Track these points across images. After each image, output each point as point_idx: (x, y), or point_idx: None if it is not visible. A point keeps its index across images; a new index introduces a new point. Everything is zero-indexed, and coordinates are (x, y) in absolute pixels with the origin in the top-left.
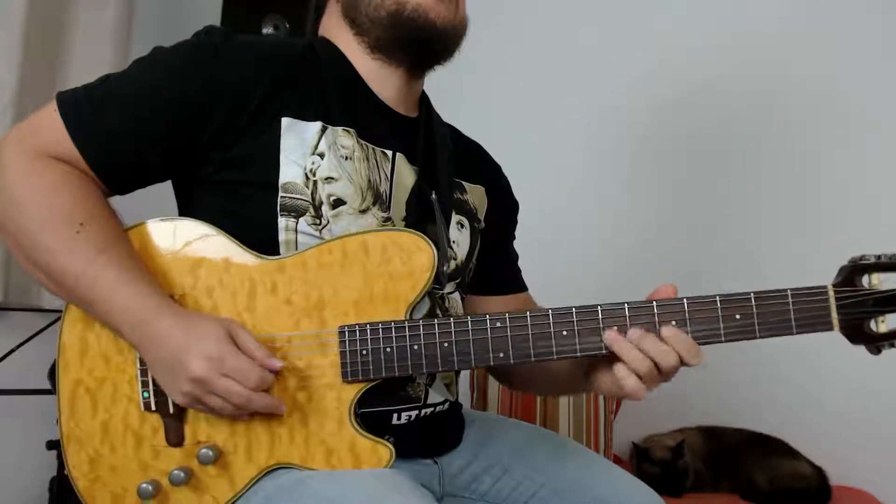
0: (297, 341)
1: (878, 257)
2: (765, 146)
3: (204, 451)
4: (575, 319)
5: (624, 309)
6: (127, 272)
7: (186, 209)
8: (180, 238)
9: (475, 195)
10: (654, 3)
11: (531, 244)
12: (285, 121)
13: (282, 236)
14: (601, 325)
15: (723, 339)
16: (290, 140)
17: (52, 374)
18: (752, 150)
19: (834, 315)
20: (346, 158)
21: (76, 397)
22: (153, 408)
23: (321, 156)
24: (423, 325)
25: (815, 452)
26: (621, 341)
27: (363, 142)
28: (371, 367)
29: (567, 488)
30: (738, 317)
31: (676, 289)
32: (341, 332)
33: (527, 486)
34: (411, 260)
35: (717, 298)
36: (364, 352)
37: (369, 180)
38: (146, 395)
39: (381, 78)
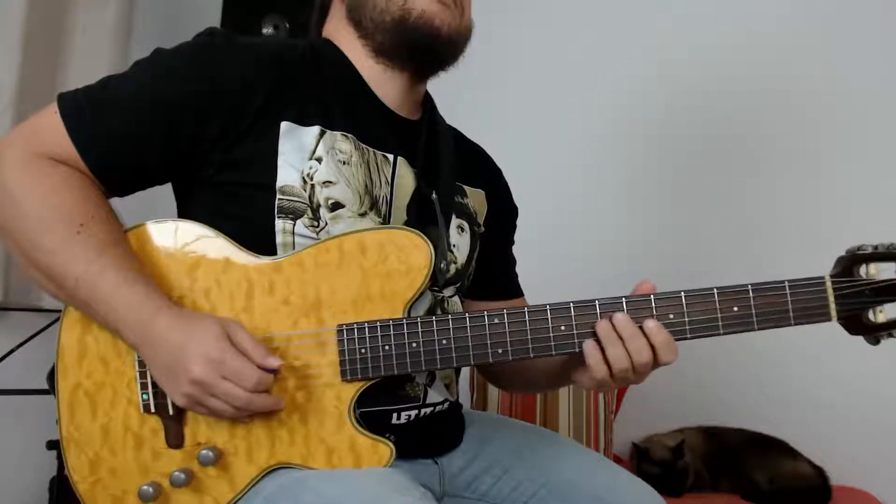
0: (296, 341)
1: (876, 247)
2: (765, 146)
3: (204, 452)
4: (573, 314)
5: (622, 303)
6: (126, 273)
7: (186, 210)
8: (179, 239)
9: (476, 199)
10: (653, 4)
11: (532, 245)
12: (284, 125)
13: (279, 238)
14: (599, 321)
15: (721, 331)
16: (288, 144)
17: (52, 377)
18: (752, 150)
19: (832, 305)
20: (344, 163)
21: (75, 401)
22: (153, 410)
23: (319, 160)
24: (421, 323)
25: (815, 452)
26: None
27: (363, 145)
28: (370, 365)
29: (567, 488)
30: (735, 309)
31: (655, 287)
32: (340, 331)
33: (527, 486)
34: (408, 258)
35: (715, 291)
36: (363, 350)
37: (367, 185)
38: (146, 397)
39: (383, 81)
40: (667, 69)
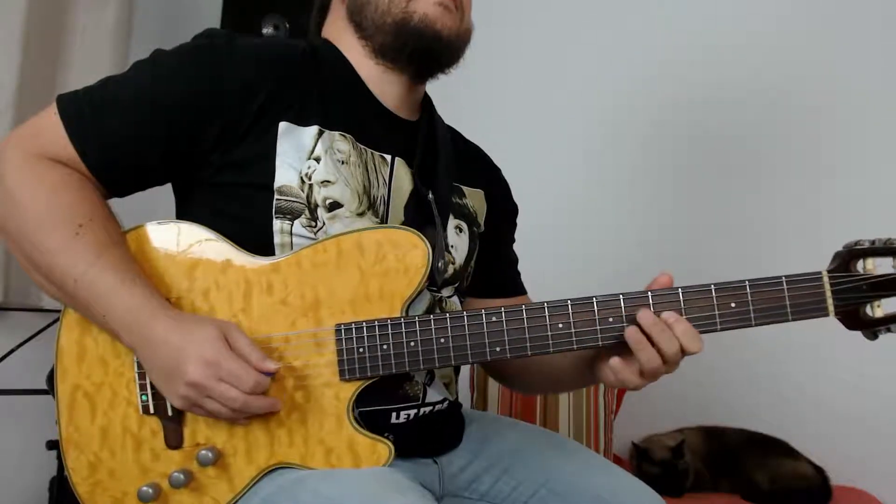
0: (294, 341)
1: (873, 242)
2: (765, 146)
3: (203, 452)
4: (570, 312)
5: (619, 300)
6: (125, 275)
7: (185, 210)
8: (178, 241)
9: (475, 199)
10: (653, 4)
11: (532, 245)
12: (282, 125)
13: (277, 239)
14: (596, 318)
15: (718, 327)
16: (286, 144)
17: (51, 378)
18: (752, 150)
19: (829, 301)
20: (343, 163)
21: (75, 402)
22: (152, 411)
23: (317, 160)
24: (419, 322)
25: (815, 452)
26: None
27: (361, 146)
28: (368, 364)
29: (567, 488)
30: (733, 305)
31: (672, 278)
32: (338, 331)
33: (527, 486)
34: (406, 257)
35: (712, 287)
36: (361, 349)
37: (365, 185)
38: (145, 398)
39: (383, 82)
40: (667, 69)
